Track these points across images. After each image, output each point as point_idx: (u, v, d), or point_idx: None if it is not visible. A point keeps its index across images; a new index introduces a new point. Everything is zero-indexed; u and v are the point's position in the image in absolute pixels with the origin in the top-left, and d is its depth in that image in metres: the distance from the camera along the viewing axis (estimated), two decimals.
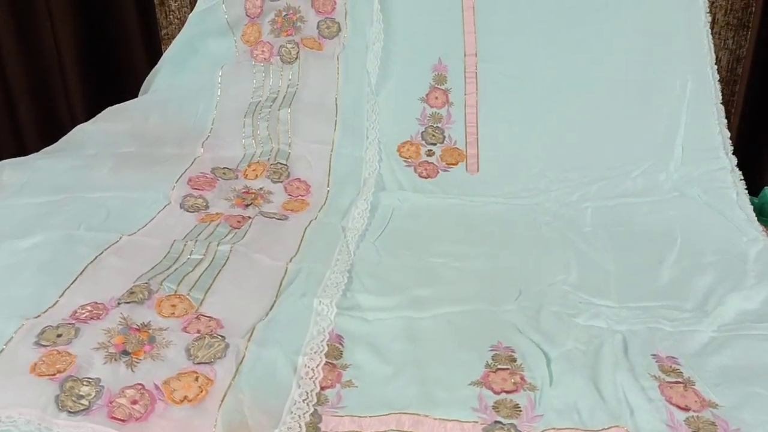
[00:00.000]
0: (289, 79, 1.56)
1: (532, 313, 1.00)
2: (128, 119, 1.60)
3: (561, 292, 1.06)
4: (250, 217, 1.25)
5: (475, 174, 1.41)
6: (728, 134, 1.37)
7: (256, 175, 1.39)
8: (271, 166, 1.40)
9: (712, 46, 1.42)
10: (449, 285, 1.08)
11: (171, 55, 1.64)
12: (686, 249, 1.17)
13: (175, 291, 0.98)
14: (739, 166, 1.35)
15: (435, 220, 1.29)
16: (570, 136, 1.43)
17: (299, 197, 1.34)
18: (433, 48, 1.48)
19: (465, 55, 1.47)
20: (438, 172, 1.42)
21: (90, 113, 1.63)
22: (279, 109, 1.50)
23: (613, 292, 1.06)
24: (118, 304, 0.95)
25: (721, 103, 1.40)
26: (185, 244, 1.12)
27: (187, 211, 1.27)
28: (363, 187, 1.36)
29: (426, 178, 1.40)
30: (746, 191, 1.31)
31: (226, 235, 1.18)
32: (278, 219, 1.25)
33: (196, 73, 1.59)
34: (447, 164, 1.43)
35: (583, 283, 1.08)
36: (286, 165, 1.41)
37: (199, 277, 1.03)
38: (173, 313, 0.94)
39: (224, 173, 1.39)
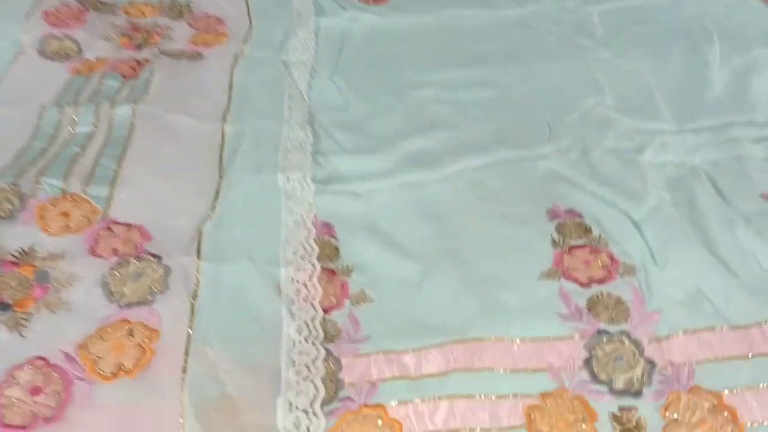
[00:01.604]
0: None
1: (578, 155, 0.73)
2: None
3: (604, 120, 0.79)
4: (147, 60, 0.87)
5: None
6: None
7: (143, 14, 0.98)
8: (165, 4, 1.00)
9: None
10: (452, 128, 0.78)
11: None
12: (728, 44, 0.92)
13: (63, 189, 0.64)
14: None
15: (401, 40, 0.95)
16: None
17: (212, 29, 0.96)
18: None
19: None
20: None
21: None
22: None
23: (664, 110, 0.81)
24: None
25: None
26: (61, 111, 0.75)
27: (50, 58, 0.88)
28: (296, 15, 0.98)
29: (375, 3, 1.03)
30: None
31: (119, 90, 0.81)
32: (189, 59, 0.88)
33: None
34: None
35: (625, 103, 0.82)
36: (186, 3, 1.00)
37: (96, 161, 0.69)
38: (67, 226, 0.61)
39: (96, 5, 0.97)
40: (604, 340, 0.53)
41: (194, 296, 0.55)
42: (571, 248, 0.61)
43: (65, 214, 0.61)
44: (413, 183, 0.70)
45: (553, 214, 0.65)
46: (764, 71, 0.87)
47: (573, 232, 0.62)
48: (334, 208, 0.67)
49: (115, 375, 0.50)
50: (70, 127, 0.73)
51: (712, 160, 0.72)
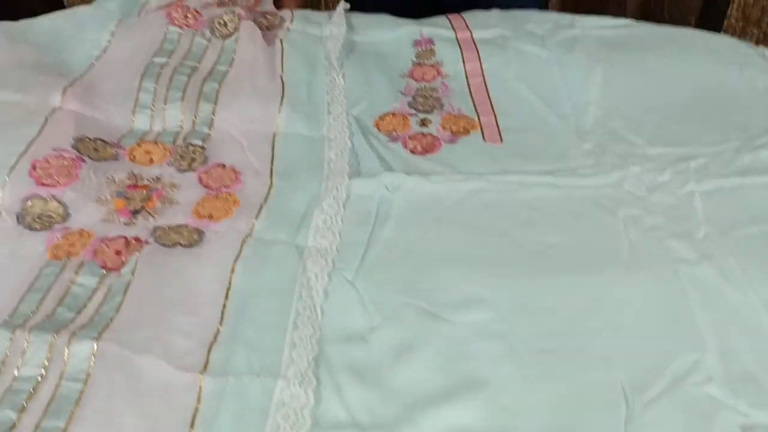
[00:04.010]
0: (219, 56, 1.00)
1: None
2: None
3: (702, 402, 0.59)
4: (138, 241, 0.72)
5: (498, 144, 0.88)
6: None
7: (151, 160, 0.84)
8: (178, 149, 0.85)
9: None
10: (501, 392, 0.60)
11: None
12: None
13: None
14: None
15: (448, 220, 0.78)
16: (630, 108, 0.94)
17: (223, 190, 0.80)
18: (412, 26, 1.08)
19: (454, 30, 1.08)
20: (440, 144, 0.89)
21: None
22: (204, 82, 0.94)
23: None
24: None
25: None
26: (11, 340, 0.61)
27: (29, 228, 0.74)
28: (327, 172, 0.82)
29: (422, 154, 0.87)
30: None
31: (93, 293, 0.67)
32: (185, 245, 0.73)
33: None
34: (452, 133, 0.90)
35: (734, 369, 0.62)
36: (202, 147, 0.86)
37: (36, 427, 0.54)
38: None
39: (96, 149, 0.83)
40: None
41: None
42: None
43: None
44: None
45: None
46: None
47: None
48: None
49: None
50: (15, 370, 0.58)
51: None
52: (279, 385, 0.59)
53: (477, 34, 1.07)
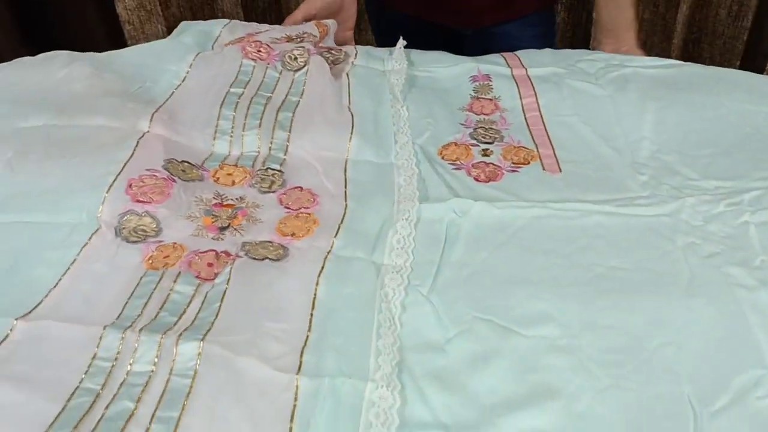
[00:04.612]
0: (291, 87, 1.07)
1: None
2: (42, 66, 1.09)
3: (763, 414, 0.62)
4: (228, 255, 0.78)
5: (557, 174, 0.94)
6: None
7: (233, 182, 0.90)
8: (258, 173, 0.92)
9: None
10: (573, 401, 0.65)
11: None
12: None
13: None
14: None
15: (514, 244, 0.82)
16: (680, 143, 1.00)
17: (302, 210, 0.86)
18: (470, 63, 1.16)
19: (510, 68, 1.15)
20: (502, 173, 0.94)
21: None
22: (278, 111, 1.02)
23: None
24: None
25: None
26: (123, 339, 0.66)
27: (127, 240, 0.80)
28: (398, 196, 0.88)
29: (486, 182, 0.92)
30: None
31: (191, 301, 0.73)
32: (273, 259, 0.78)
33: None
34: (513, 164, 0.96)
35: None
36: (280, 171, 0.92)
37: (149, 426, 0.59)
38: None
39: (183, 170, 0.90)
40: None
41: None
42: None
43: None
44: None
45: None
46: None
47: None
48: None
49: None
50: (128, 364, 0.64)
51: None
52: (368, 387, 0.63)
53: (532, 72, 1.13)
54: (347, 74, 1.12)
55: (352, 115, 1.03)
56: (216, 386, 0.62)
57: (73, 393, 0.62)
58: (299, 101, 1.05)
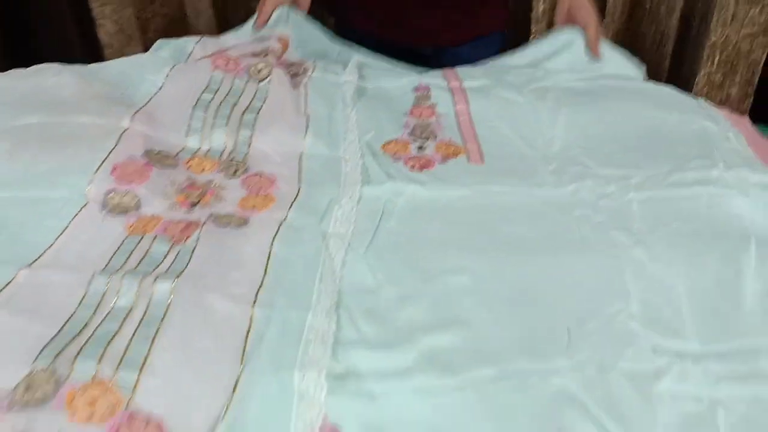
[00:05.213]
0: (255, 93, 1.24)
1: (594, 372, 0.74)
2: (33, 76, 1.24)
3: (625, 333, 0.79)
4: (197, 224, 0.93)
5: (480, 164, 1.11)
6: None
7: (203, 169, 1.06)
8: (223, 162, 1.08)
9: None
10: (476, 326, 0.80)
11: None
12: (765, 250, 0.91)
13: (94, 375, 0.68)
14: None
15: (439, 217, 0.99)
16: (586, 141, 1.18)
17: (261, 192, 1.02)
18: (413, 76, 1.35)
19: (447, 81, 1.34)
20: (434, 163, 1.11)
21: None
22: (244, 113, 1.18)
23: (689, 325, 0.80)
24: (10, 408, 0.65)
25: None
26: (108, 282, 0.81)
27: (110, 212, 0.95)
28: (344, 180, 1.05)
29: (420, 170, 1.09)
30: None
31: (166, 255, 0.87)
32: (235, 225, 0.94)
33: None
34: (443, 156, 1.13)
35: (651, 313, 0.82)
36: (243, 162, 1.08)
37: (129, 343, 0.73)
38: (92, 415, 0.65)
39: (160, 159, 1.05)
40: None
41: None
42: None
43: (91, 404, 0.66)
44: (427, 389, 0.72)
45: None
46: None
47: None
48: (345, 411, 0.68)
49: None
50: (113, 300, 0.78)
51: (733, 395, 0.71)
52: (310, 315, 0.78)
53: (466, 84, 1.31)
54: (304, 85, 1.29)
55: (308, 117, 1.20)
56: (186, 313, 0.77)
57: (66, 321, 0.76)
58: (262, 105, 1.21)
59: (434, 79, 1.33)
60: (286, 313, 0.78)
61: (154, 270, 0.84)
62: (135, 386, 0.68)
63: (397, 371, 0.73)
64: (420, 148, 1.15)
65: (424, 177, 1.08)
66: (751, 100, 1.88)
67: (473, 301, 0.84)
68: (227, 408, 0.67)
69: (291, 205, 0.99)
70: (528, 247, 0.93)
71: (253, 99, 1.23)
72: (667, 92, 1.32)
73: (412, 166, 1.10)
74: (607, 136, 1.18)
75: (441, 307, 0.82)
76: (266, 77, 1.28)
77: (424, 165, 1.11)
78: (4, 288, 0.79)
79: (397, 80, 1.34)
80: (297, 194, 1.02)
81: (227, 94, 1.23)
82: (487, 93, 1.28)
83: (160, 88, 1.24)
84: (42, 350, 0.71)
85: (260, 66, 1.29)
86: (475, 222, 0.98)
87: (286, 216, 0.97)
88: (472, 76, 1.34)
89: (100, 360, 0.70)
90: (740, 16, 1.74)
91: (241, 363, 0.72)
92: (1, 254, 0.85)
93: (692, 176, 1.06)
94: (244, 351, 0.74)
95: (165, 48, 1.36)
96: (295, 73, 1.34)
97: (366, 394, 0.71)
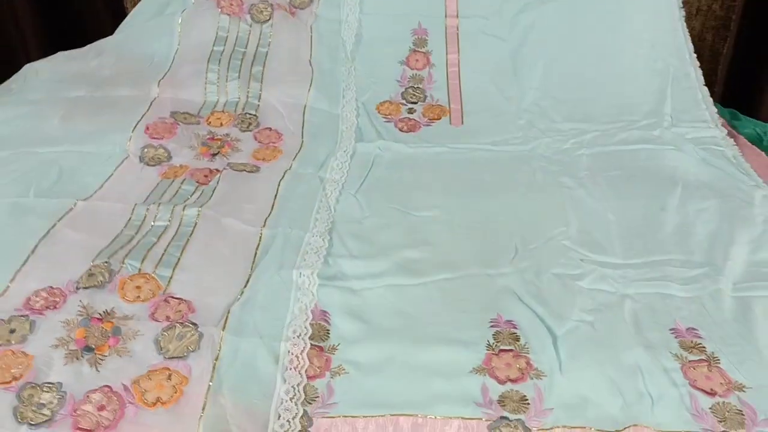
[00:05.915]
0: (259, 39, 1.43)
1: (532, 276, 0.93)
2: (79, 59, 1.46)
3: (561, 249, 0.98)
4: (218, 170, 1.14)
5: (459, 126, 1.31)
6: (715, 110, 1.33)
7: (221, 123, 1.27)
8: (238, 116, 1.29)
9: (688, 36, 1.42)
10: (440, 245, 0.99)
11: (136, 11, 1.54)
12: (688, 193, 1.09)
13: (139, 269, 0.89)
14: None
15: (419, 168, 1.19)
16: (558, 90, 1.37)
17: (270, 144, 1.22)
18: (413, 13, 1.46)
19: (446, 17, 1.45)
20: (420, 126, 1.32)
21: None
22: (252, 65, 1.38)
23: (616, 245, 0.99)
24: (77, 289, 0.85)
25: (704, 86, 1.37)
26: (147, 209, 1.01)
27: (148, 164, 1.16)
28: (340, 138, 1.25)
29: (407, 132, 1.29)
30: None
31: (193, 193, 1.08)
32: (249, 171, 1.14)
33: (153, 18, 1.49)
34: (429, 119, 1.34)
35: (584, 236, 1.00)
36: (255, 115, 1.29)
37: (165, 249, 0.94)
38: (138, 297, 0.85)
39: (185, 117, 1.26)
40: (503, 424, 0.72)
41: (216, 358, 0.77)
42: (500, 351, 0.80)
43: (138, 288, 0.86)
44: (397, 286, 0.91)
45: (494, 322, 0.84)
46: (710, 218, 1.04)
47: (505, 339, 0.81)
48: (332, 299, 0.88)
49: (154, 404, 0.72)
50: (152, 222, 0.99)
51: (641, 292, 0.90)
52: (307, 235, 0.98)
53: (461, 26, 1.44)
54: (311, 27, 1.46)
55: (312, 69, 1.39)
56: (209, 230, 0.97)
57: (116, 236, 0.96)
58: (267, 52, 1.40)
59: (433, 17, 1.45)
60: (288, 233, 0.98)
61: (184, 202, 1.04)
62: (170, 278, 0.88)
63: (374, 274, 0.93)
64: (410, 111, 1.35)
65: (410, 138, 1.28)
66: None
67: (440, 228, 1.03)
68: (241, 294, 0.87)
69: (295, 156, 1.19)
70: (490, 189, 1.12)
71: (258, 45, 1.41)
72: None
73: (401, 129, 1.30)
74: (581, 83, 1.36)
75: (413, 232, 1.02)
76: (268, 19, 1.45)
77: (411, 128, 1.31)
78: (66, 214, 0.99)
79: (396, 21, 1.46)
80: (300, 147, 1.22)
81: (235, 44, 1.41)
82: (476, 39, 1.43)
83: (176, 51, 1.42)
84: (99, 254, 0.91)
85: (261, 6, 1.46)
86: (449, 172, 1.18)
87: (291, 165, 1.17)
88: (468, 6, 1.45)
89: (143, 261, 0.90)
90: None
91: (252, 265, 0.92)
92: (62, 191, 1.05)
93: (637, 135, 1.25)
94: (254, 256, 0.94)
95: None
96: (301, 4, 1.48)
97: (349, 289, 0.90)
